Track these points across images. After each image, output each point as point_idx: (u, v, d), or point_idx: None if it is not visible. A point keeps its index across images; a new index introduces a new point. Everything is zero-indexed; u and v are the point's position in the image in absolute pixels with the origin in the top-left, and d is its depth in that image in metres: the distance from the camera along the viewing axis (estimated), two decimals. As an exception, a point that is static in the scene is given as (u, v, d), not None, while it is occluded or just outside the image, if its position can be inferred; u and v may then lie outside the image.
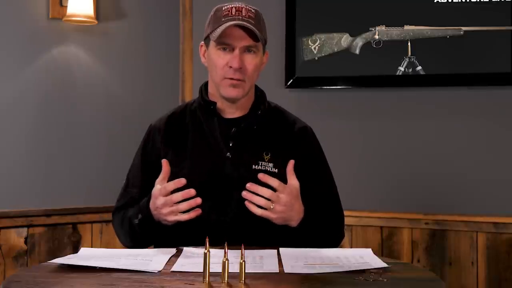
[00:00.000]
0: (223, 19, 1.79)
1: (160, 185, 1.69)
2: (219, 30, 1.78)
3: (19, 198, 2.92)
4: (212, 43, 1.83)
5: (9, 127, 2.91)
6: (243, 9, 1.80)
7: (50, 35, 3.01)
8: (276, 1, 3.07)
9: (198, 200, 1.65)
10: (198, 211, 1.67)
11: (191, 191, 1.65)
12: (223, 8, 1.82)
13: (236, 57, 1.79)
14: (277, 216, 1.68)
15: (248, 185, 1.66)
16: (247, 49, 1.81)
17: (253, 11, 1.82)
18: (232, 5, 1.82)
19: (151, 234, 1.80)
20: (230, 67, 1.79)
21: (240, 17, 1.78)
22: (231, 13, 1.79)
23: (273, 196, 1.66)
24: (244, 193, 1.65)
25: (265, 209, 1.66)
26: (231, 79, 1.80)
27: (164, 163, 1.71)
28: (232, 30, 1.78)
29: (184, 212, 1.67)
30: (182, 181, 1.65)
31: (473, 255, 2.82)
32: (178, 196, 1.65)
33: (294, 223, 1.72)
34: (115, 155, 3.10)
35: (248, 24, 1.77)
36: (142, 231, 1.78)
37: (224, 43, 1.80)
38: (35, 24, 2.97)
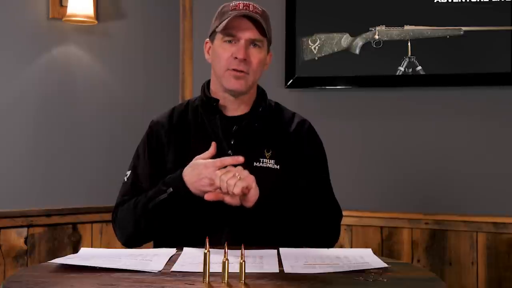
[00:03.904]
0: (230, 12, 1.82)
1: (204, 160, 1.71)
2: (227, 20, 1.80)
3: (19, 198, 2.92)
4: (218, 36, 1.85)
5: (9, 127, 2.91)
6: (251, 5, 1.84)
7: (50, 35, 3.01)
8: (276, 1, 3.07)
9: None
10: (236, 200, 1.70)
11: (240, 158, 1.69)
12: (230, 4, 1.86)
13: (241, 48, 1.81)
14: (251, 179, 1.68)
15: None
16: (253, 43, 1.83)
17: (260, 9, 1.85)
18: (240, 2, 1.85)
19: (173, 214, 1.78)
20: (235, 58, 1.81)
21: (248, 11, 1.81)
22: (239, 8, 1.83)
23: (231, 172, 1.68)
24: (212, 197, 1.68)
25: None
26: (235, 70, 1.81)
27: (213, 146, 1.74)
28: (239, 22, 1.81)
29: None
30: (239, 159, 1.69)
31: (473, 255, 2.82)
32: (228, 160, 1.69)
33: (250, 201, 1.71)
34: (115, 155, 3.10)
35: (256, 15, 1.80)
36: (167, 208, 1.76)
37: (230, 34, 1.82)
38: (35, 24, 2.97)
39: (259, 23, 1.81)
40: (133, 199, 1.84)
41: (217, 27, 1.84)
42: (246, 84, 1.84)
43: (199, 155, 1.74)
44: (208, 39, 1.92)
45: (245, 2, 1.85)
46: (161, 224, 1.81)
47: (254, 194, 1.69)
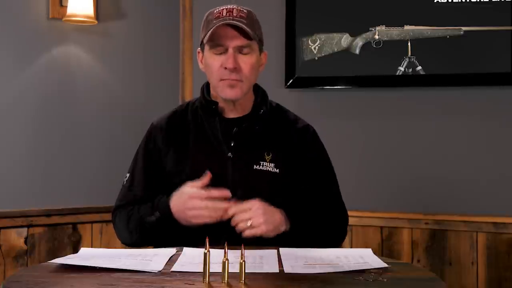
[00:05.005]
0: (214, 22, 1.79)
1: (194, 188, 1.72)
2: (210, 32, 1.77)
3: (19, 198, 2.92)
4: (206, 47, 1.83)
5: (9, 127, 2.91)
6: (234, 9, 1.80)
7: (50, 35, 3.00)
8: (276, 1, 3.06)
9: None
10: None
11: (227, 193, 1.70)
12: (215, 11, 1.82)
13: (230, 58, 1.78)
14: (265, 227, 1.68)
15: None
16: (241, 50, 1.80)
17: (245, 11, 1.81)
18: (223, 7, 1.82)
19: (164, 232, 1.81)
20: (225, 68, 1.79)
21: (231, 17, 1.78)
22: (222, 15, 1.79)
23: (248, 214, 1.68)
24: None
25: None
26: (228, 79, 1.80)
27: (208, 175, 1.74)
28: (224, 31, 1.78)
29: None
30: (227, 193, 1.70)
31: (473, 255, 2.82)
32: (216, 193, 1.70)
33: (283, 227, 1.74)
34: (115, 155, 3.10)
35: (238, 23, 1.76)
36: (156, 229, 1.80)
37: (216, 44, 1.79)
38: (35, 24, 2.97)
39: (243, 28, 1.77)
40: (128, 210, 1.87)
41: (204, 37, 1.82)
42: (242, 91, 1.82)
43: (190, 183, 1.75)
44: (199, 48, 1.90)
45: (228, 7, 1.81)
46: (156, 238, 1.84)
47: (271, 234, 1.71)
